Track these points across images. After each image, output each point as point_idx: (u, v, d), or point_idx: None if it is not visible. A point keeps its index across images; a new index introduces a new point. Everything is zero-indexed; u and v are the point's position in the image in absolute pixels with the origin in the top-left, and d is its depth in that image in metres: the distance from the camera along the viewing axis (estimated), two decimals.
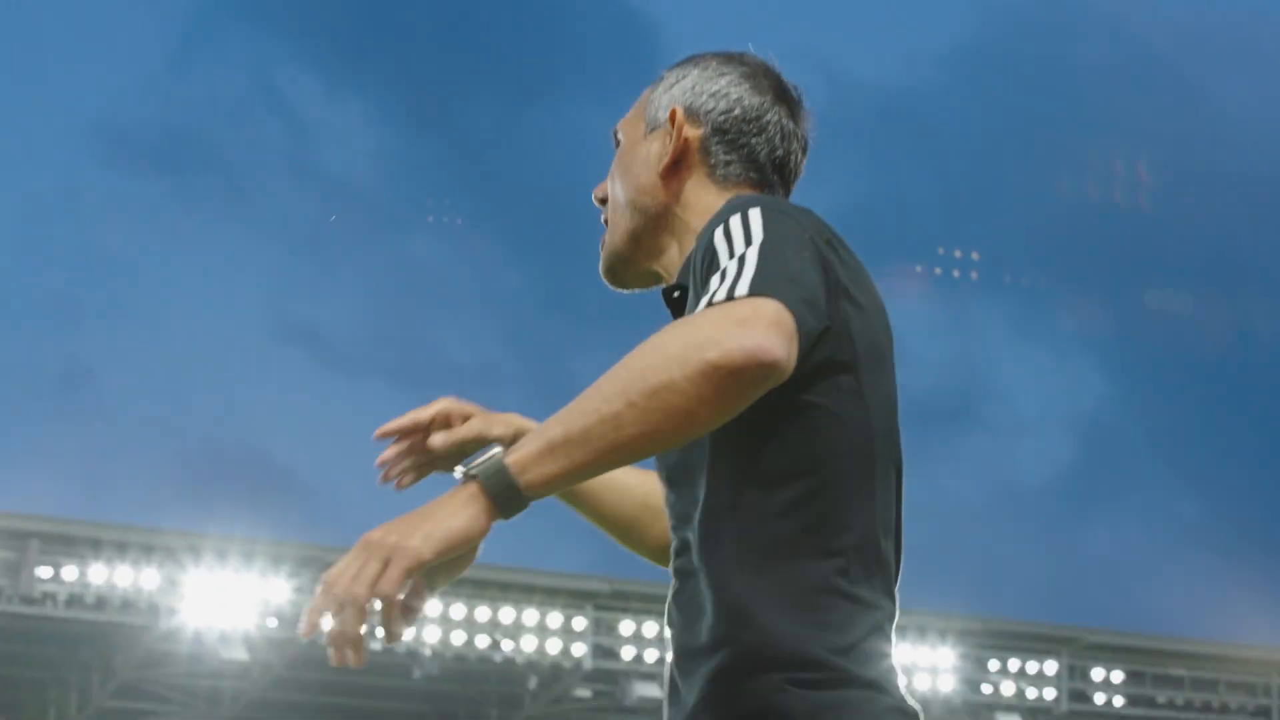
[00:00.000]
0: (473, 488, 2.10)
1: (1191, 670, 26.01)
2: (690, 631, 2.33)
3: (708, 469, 2.32)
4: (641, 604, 21.24)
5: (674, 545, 2.42)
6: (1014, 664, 23.85)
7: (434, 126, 75.29)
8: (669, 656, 2.40)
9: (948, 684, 22.92)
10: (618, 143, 2.71)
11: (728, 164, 2.59)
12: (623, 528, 2.84)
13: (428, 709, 22.13)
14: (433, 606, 19.62)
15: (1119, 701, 25.82)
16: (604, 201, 2.71)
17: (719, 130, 2.60)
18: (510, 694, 21.52)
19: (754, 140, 2.60)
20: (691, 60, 2.68)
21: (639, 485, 2.79)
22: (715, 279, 2.18)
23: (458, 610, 19.66)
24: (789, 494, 2.29)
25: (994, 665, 23.71)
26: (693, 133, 2.60)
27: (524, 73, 73.10)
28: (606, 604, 20.98)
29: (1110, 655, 25.51)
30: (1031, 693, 24.17)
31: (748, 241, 2.23)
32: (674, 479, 2.42)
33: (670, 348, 2.08)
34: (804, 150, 2.67)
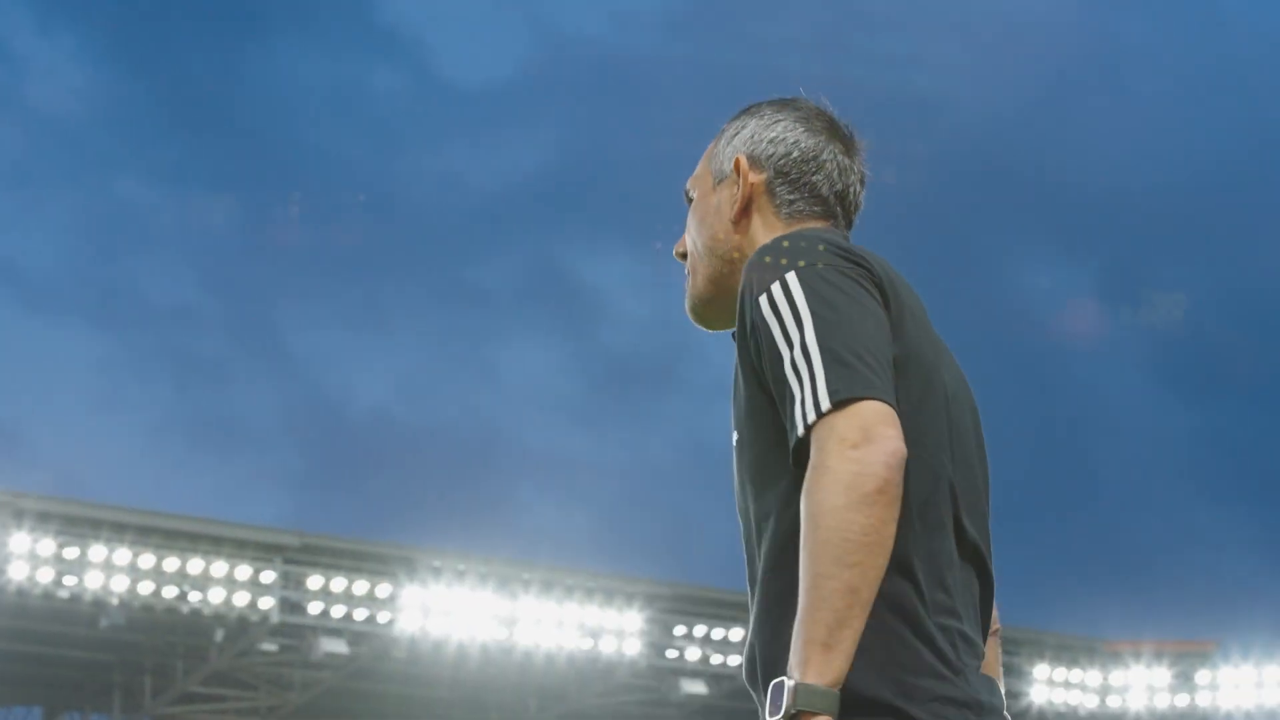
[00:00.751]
0: None
1: None
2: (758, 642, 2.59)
3: (761, 489, 2.61)
4: (331, 559, 21.07)
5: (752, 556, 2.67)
6: (700, 630, 24.02)
7: (146, 65, 73.18)
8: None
9: (634, 648, 23.02)
10: (689, 199, 2.93)
11: (792, 202, 2.81)
12: None
13: (113, 659, 21.67)
14: (121, 555, 19.24)
15: None
16: (684, 256, 2.93)
17: (781, 172, 2.82)
18: (196, 645, 21.17)
19: (815, 178, 2.81)
20: (748, 111, 2.89)
21: None
22: (792, 379, 2.44)
23: (146, 560, 19.31)
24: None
25: (680, 630, 23.86)
26: (757, 178, 2.82)
27: (238, 15, 71.52)
28: (295, 558, 20.76)
29: None
30: (717, 659, 24.37)
31: (798, 323, 2.47)
32: (745, 489, 2.67)
33: (836, 501, 2.32)
34: (862, 182, 2.88)
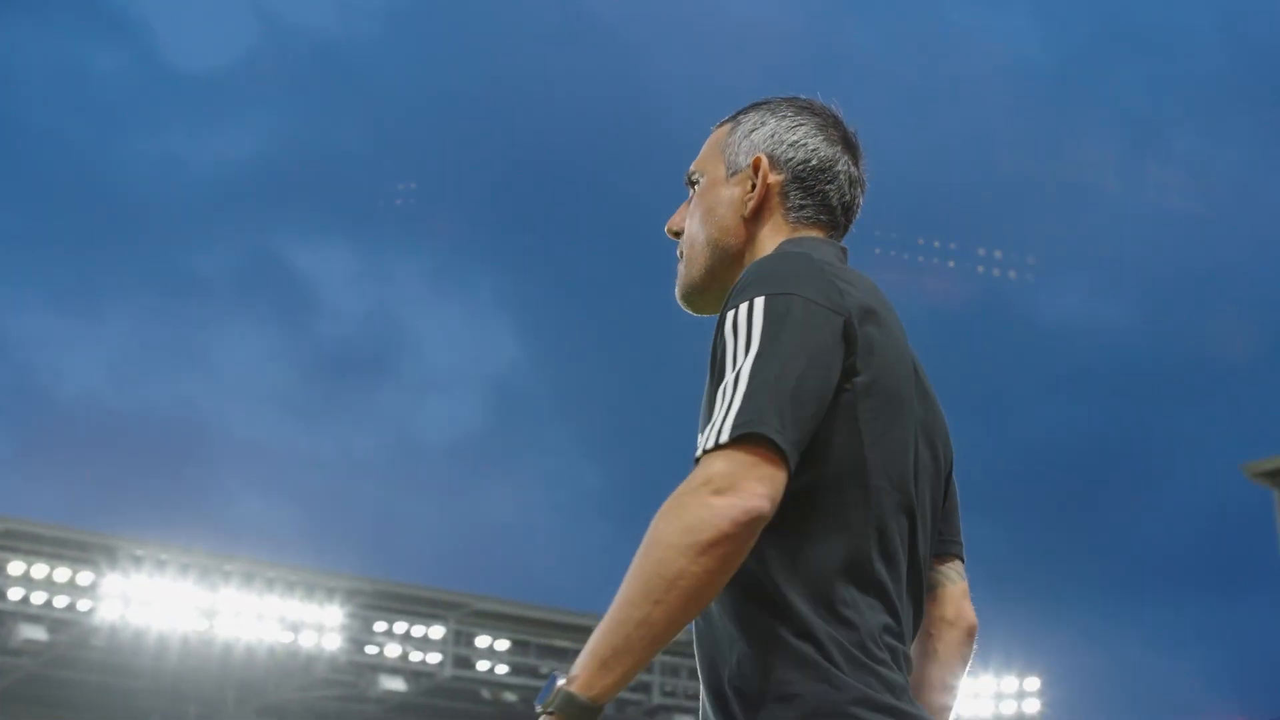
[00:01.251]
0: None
1: (576, 643, 26.87)
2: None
3: None
4: (32, 545, 20.72)
5: None
6: (400, 626, 24.07)
7: None
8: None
9: (334, 643, 23.02)
10: (693, 183, 2.96)
11: (802, 208, 2.87)
12: None
13: None
14: None
15: (502, 669, 26.39)
16: (678, 234, 2.97)
17: (798, 178, 2.88)
18: None
19: (827, 187, 2.88)
20: (766, 107, 2.95)
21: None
22: (718, 400, 2.47)
23: None
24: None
25: (380, 627, 23.90)
26: (774, 179, 2.88)
27: None
28: None
29: (497, 623, 26.00)
30: (416, 656, 24.42)
31: (747, 348, 2.50)
32: None
33: (671, 538, 2.35)
34: (864, 191, 2.95)
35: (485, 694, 27.25)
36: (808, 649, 2.48)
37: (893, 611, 2.60)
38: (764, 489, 2.38)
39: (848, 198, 2.91)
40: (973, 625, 2.91)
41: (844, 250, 2.88)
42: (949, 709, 2.88)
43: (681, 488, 2.40)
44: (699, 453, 2.44)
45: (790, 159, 2.88)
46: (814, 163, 2.88)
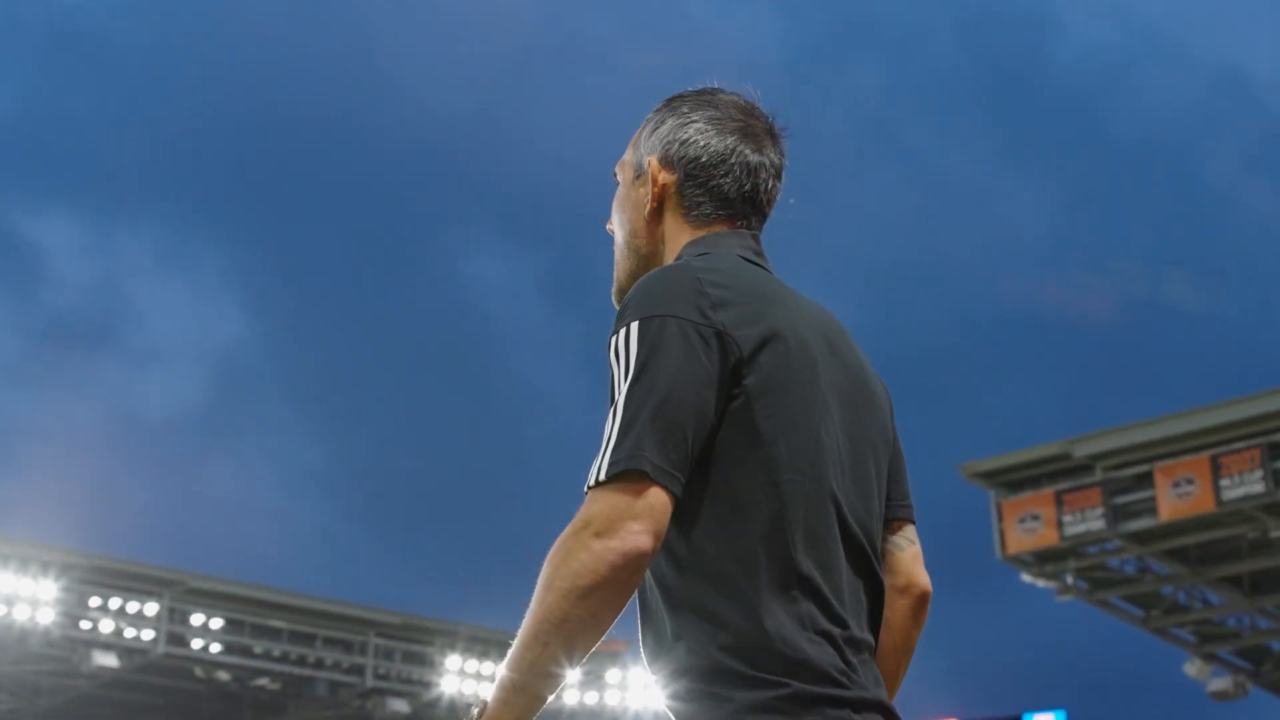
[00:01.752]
0: None
1: (292, 623, 26.82)
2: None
3: None
4: None
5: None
6: (115, 602, 23.82)
7: None
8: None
9: (47, 617, 22.71)
10: (618, 183, 2.99)
11: (700, 204, 2.88)
12: None
13: None
14: None
15: (216, 648, 26.23)
16: (613, 234, 3.01)
17: (690, 176, 2.88)
18: None
19: (722, 181, 2.87)
20: (669, 104, 2.96)
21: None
22: (604, 433, 2.55)
23: None
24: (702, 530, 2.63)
25: (95, 602, 23.61)
26: (668, 179, 2.89)
27: None
28: None
29: (212, 601, 25.86)
30: (130, 632, 24.19)
31: (625, 375, 2.56)
32: None
33: (556, 583, 2.46)
34: (777, 175, 2.94)
35: (199, 672, 27.08)
36: (731, 655, 2.57)
37: (821, 600, 2.64)
38: (642, 526, 2.48)
39: (747, 187, 2.89)
40: (925, 591, 2.96)
41: (754, 237, 2.91)
42: (901, 673, 2.97)
43: (567, 530, 2.50)
44: (585, 488, 2.52)
45: (681, 156, 2.89)
46: (704, 159, 2.88)
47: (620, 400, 2.55)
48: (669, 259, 2.87)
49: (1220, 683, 53.47)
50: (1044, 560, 48.45)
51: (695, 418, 2.56)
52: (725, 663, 2.57)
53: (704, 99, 2.94)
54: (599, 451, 2.54)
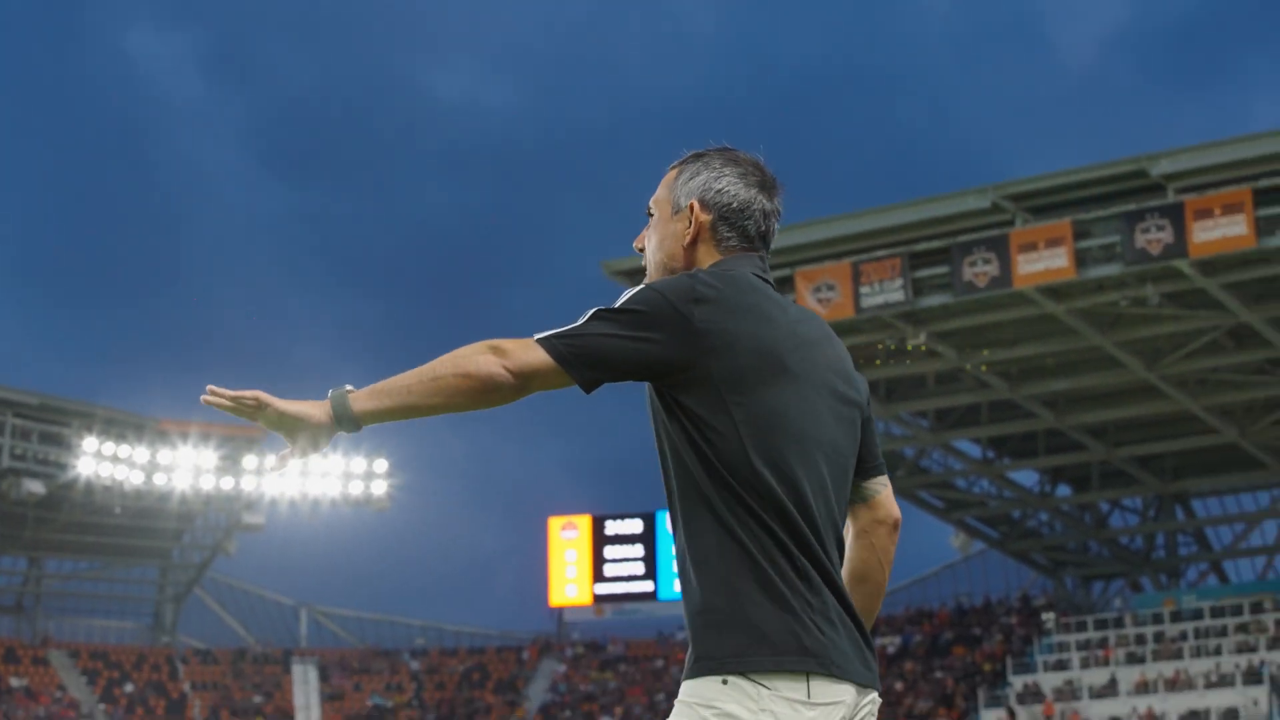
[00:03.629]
0: (326, 403, 3.47)
1: None
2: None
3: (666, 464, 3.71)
4: None
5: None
6: None
7: None
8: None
9: None
10: (651, 213, 3.94)
11: (728, 238, 3.84)
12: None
13: None
14: None
15: None
16: (641, 250, 3.98)
17: (723, 217, 3.84)
18: None
19: (745, 223, 3.85)
20: (702, 159, 3.90)
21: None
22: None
23: None
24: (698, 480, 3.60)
25: None
26: (705, 218, 3.85)
27: None
28: None
29: None
30: None
31: (610, 307, 3.56)
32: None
33: (454, 357, 3.47)
34: (778, 218, 3.93)
35: None
36: (748, 598, 3.50)
37: (792, 559, 3.56)
38: (512, 374, 3.50)
39: (762, 228, 3.88)
40: (897, 519, 3.98)
41: (762, 258, 3.87)
42: (885, 582, 3.95)
43: (489, 340, 3.52)
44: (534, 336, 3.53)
45: (717, 203, 3.84)
46: (735, 205, 3.84)
47: (590, 313, 3.57)
48: None
49: None
50: None
51: (617, 354, 3.55)
52: (739, 600, 3.58)
53: (729, 157, 3.91)
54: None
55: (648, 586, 66.83)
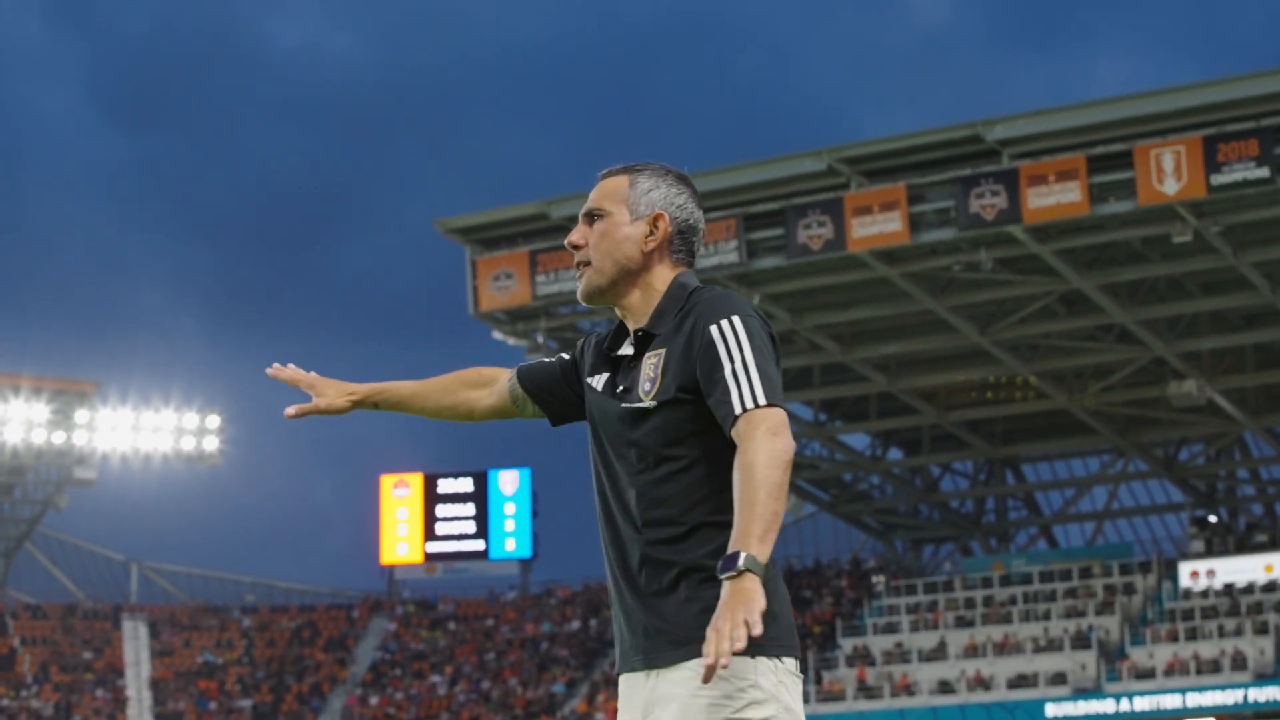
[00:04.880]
0: (754, 577, 3.70)
1: None
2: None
3: (673, 444, 4.10)
4: None
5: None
6: None
7: None
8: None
9: None
10: (598, 213, 4.24)
11: (678, 251, 4.26)
12: (450, 413, 4.72)
13: None
14: None
15: None
16: (577, 247, 4.25)
17: (680, 231, 4.25)
18: None
19: (693, 239, 4.29)
20: (654, 172, 4.27)
21: (441, 385, 4.70)
22: (730, 379, 3.95)
23: None
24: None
25: None
26: (668, 229, 4.22)
27: None
28: None
29: None
30: None
31: (740, 348, 3.97)
32: (655, 458, 4.11)
33: (780, 459, 3.82)
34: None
35: None
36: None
37: None
38: (785, 435, 3.90)
39: (699, 246, 4.32)
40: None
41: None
42: None
43: (747, 435, 3.88)
44: (737, 411, 3.93)
45: (677, 218, 4.24)
46: (690, 223, 4.27)
47: (750, 358, 3.95)
48: (652, 281, 4.23)
49: None
50: (516, 318, 48.93)
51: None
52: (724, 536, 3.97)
53: (678, 175, 4.29)
54: (737, 392, 3.95)
55: (479, 545, 66.32)
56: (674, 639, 4.01)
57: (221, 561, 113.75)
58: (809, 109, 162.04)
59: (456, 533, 66.37)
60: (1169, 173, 38.98)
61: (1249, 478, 58.71)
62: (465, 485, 66.85)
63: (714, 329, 3.98)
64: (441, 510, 66.48)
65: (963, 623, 52.43)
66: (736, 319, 3.99)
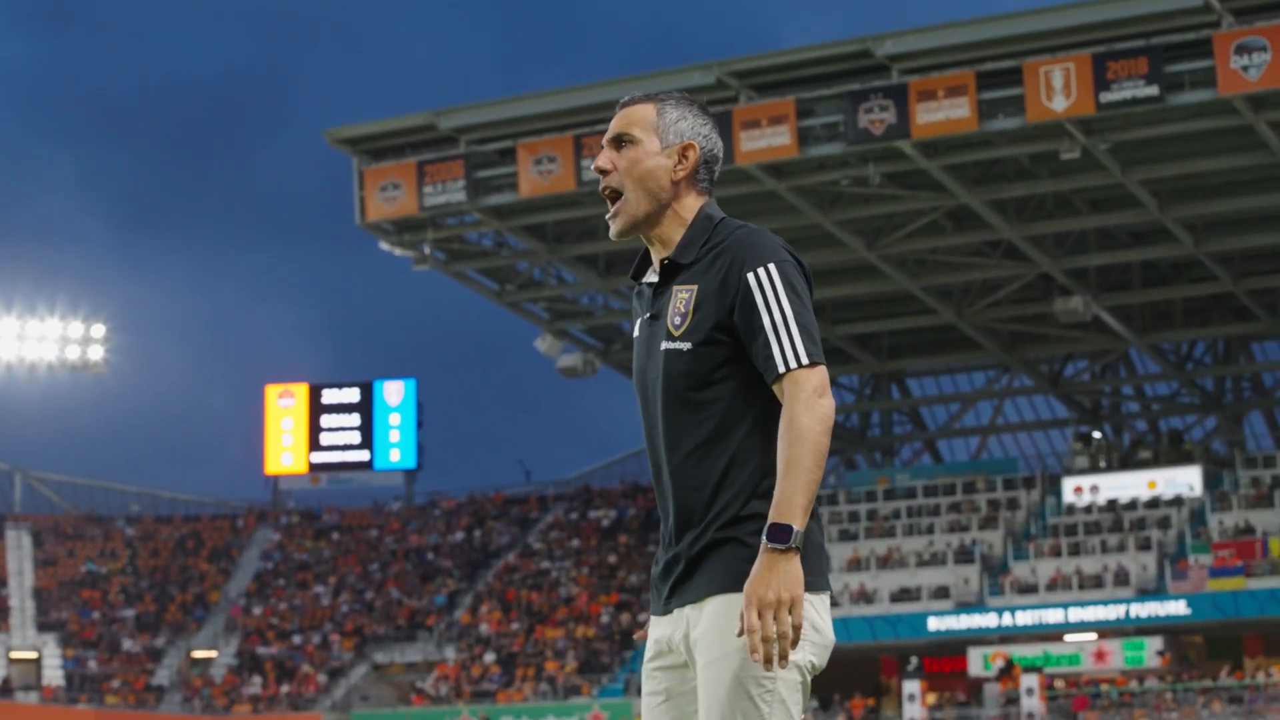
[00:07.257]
0: (792, 552, 3.91)
1: None
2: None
3: (702, 386, 4.14)
4: None
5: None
6: None
7: None
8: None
9: None
10: (626, 139, 4.26)
11: (703, 180, 4.28)
12: None
13: None
14: None
15: None
16: (604, 171, 4.27)
17: (705, 162, 4.29)
18: None
19: (716, 168, 4.33)
20: (680, 102, 4.30)
21: None
22: (770, 332, 4.02)
23: None
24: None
25: None
26: (696, 159, 4.26)
27: None
28: None
29: None
30: None
31: (779, 298, 4.04)
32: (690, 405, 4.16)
33: (826, 424, 3.98)
34: None
35: None
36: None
37: None
38: (828, 395, 4.03)
39: (718, 175, 4.34)
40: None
41: None
42: None
43: (792, 395, 3.98)
44: (780, 370, 4.00)
45: (706, 147, 4.28)
46: (715, 152, 4.30)
47: (790, 310, 4.02)
48: (680, 211, 4.24)
49: (570, 359, 55.32)
50: (403, 229, 48.44)
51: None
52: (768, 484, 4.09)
53: (701, 106, 4.32)
54: (779, 347, 4.02)
55: (363, 456, 65.99)
56: (712, 579, 4.07)
57: (107, 471, 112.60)
58: (702, 21, 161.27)
59: (341, 443, 65.97)
60: (1058, 90, 39.11)
61: (1134, 394, 59.45)
62: (351, 395, 66.38)
63: (751, 277, 4.04)
64: (326, 420, 66.02)
65: (846, 536, 52.84)
66: (773, 266, 4.04)
